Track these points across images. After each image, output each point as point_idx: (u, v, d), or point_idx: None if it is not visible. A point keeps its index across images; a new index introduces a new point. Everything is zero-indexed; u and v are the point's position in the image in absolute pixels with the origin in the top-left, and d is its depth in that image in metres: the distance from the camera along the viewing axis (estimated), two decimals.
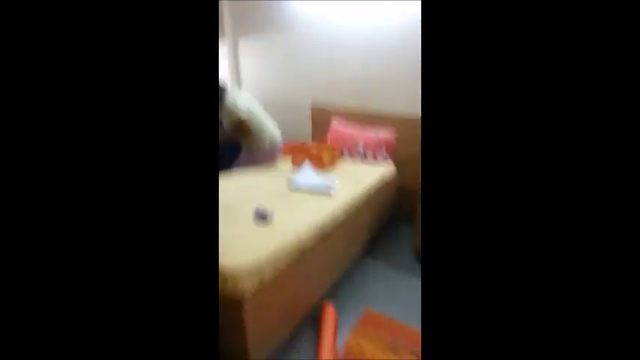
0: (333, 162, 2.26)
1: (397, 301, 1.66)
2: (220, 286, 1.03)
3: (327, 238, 1.50)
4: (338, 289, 1.71)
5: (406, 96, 2.34)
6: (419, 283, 1.81)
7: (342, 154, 2.44)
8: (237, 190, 1.74)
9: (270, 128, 2.21)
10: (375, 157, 2.36)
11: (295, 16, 2.66)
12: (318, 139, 2.72)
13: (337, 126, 2.57)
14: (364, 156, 2.38)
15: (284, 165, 2.22)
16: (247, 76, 3.13)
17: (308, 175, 1.96)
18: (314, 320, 1.46)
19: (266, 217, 1.37)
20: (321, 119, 2.74)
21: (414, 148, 2.32)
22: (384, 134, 2.38)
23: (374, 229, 2.12)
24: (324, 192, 1.75)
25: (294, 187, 1.79)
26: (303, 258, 1.33)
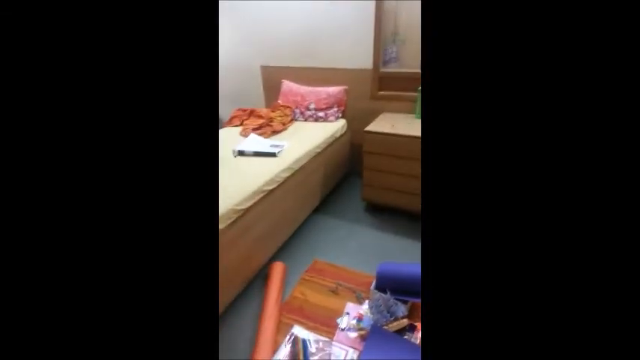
0: (284, 125, 2.26)
1: (344, 249, 1.79)
2: None
3: (270, 197, 1.56)
4: (290, 245, 1.82)
5: (354, 50, 2.30)
6: (366, 231, 1.94)
7: (294, 115, 2.43)
8: None
9: None
10: (326, 115, 2.37)
11: None
12: (271, 102, 2.69)
13: (288, 87, 2.53)
14: (316, 114, 2.39)
15: (232, 132, 2.22)
16: None
17: (254, 141, 1.97)
18: (264, 279, 1.58)
19: None
20: (271, 81, 2.68)
21: (364, 102, 2.34)
22: (335, 91, 2.37)
23: (325, 186, 2.20)
24: (269, 154, 1.78)
25: (239, 153, 1.82)
26: (245, 218, 1.40)
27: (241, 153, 1.82)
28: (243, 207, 1.39)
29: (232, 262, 1.38)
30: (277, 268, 1.55)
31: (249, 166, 1.67)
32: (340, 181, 2.47)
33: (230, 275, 1.39)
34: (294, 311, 1.40)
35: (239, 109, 2.44)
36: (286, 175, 1.69)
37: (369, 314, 1.33)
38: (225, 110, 2.91)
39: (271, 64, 2.66)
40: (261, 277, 1.59)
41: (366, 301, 1.40)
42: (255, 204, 1.46)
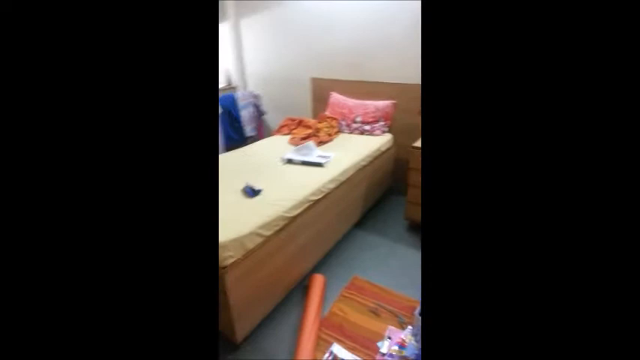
0: (330, 137, 2.26)
1: (385, 268, 1.72)
2: None
3: (316, 207, 1.55)
4: (330, 260, 1.79)
5: (403, 65, 2.27)
6: (408, 251, 1.85)
7: (340, 126, 2.43)
8: (230, 165, 1.80)
9: None
10: (372, 128, 2.34)
11: None
12: (318, 113, 2.71)
13: (336, 99, 2.55)
14: (362, 127, 2.37)
15: (281, 141, 2.25)
16: (249, 55, 3.13)
17: (304, 150, 1.99)
18: (304, 290, 1.56)
19: (255, 194, 1.44)
20: (320, 93, 2.71)
21: (412, 117, 2.28)
22: (382, 105, 2.34)
23: (367, 200, 2.16)
24: (316, 164, 1.78)
25: (287, 162, 1.83)
26: (290, 227, 1.40)
27: (289, 161, 1.83)
28: (291, 215, 1.38)
29: (276, 270, 1.37)
30: (318, 281, 1.52)
31: (296, 175, 1.68)
32: (382, 197, 2.41)
33: (273, 282, 1.38)
34: (333, 328, 1.35)
35: (288, 119, 2.49)
36: (332, 186, 1.68)
37: (413, 342, 1.25)
38: (275, 119, 2.99)
39: (321, 77, 2.69)
40: (301, 287, 1.57)
41: (409, 327, 1.33)
42: (301, 213, 1.45)
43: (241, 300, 1.20)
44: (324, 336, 1.31)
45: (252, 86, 3.18)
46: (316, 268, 1.67)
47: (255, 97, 3.00)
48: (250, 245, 1.19)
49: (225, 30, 3.03)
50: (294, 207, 1.40)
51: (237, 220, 1.23)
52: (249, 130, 2.91)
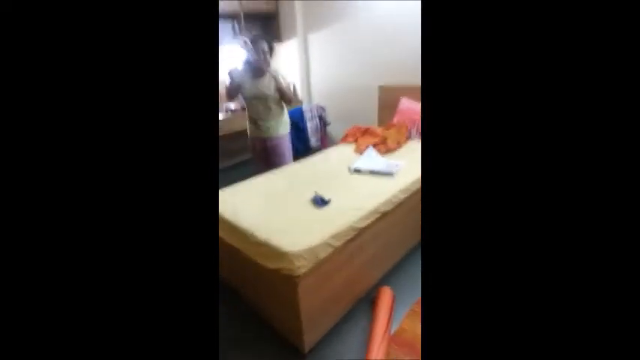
0: (399, 144, 2.20)
1: None
2: (278, 265, 1.16)
3: (385, 218, 1.50)
4: (398, 273, 1.71)
5: None
6: None
7: (410, 133, 2.34)
8: (296, 176, 1.85)
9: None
10: None
11: (354, 4, 2.67)
12: (384, 121, 2.66)
13: (406, 105, 2.47)
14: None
15: (347, 149, 2.26)
16: (315, 68, 3.25)
17: (371, 159, 1.96)
18: (371, 302, 1.51)
19: (324, 203, 1.45)
20: (387, 100, 2.66)
21: None
22: None
23: None
24: (385, 173, 1.74)
25: (355, 171, 1.83)
26: (360, 237, 1.37)
27: (357, 171, 1.82)
28: (361, 225, 1.36)
29: (344, 281, 1.36)
30: (386, 295, 1.47)
31: (364, 184, 1.66)
32: None
33: (341, 293, 1.37)
34: (404, 346, 1.28)
35: (354, 127, 2.49)
36: (403, 196, 1.61)
37: None
38: (339, 128, 3.02)
39: (389, 84, 2.65)
40: (368, 300, 1.53)
41: None
42: (371, 224, 1.42)
43: (311, 310, 1.22)
44: (394, 354, 1.25)
45: (317, 98, 3.27)
46: (384, 281, 1.62)
47: (321, 108, 3.07)
48: (322, 255, 1.20)
49: (293, 47, 3.19)
50: (365, 217, 1.38)
51: (307, 229, 1.25)
52: (313, 141, 2.99)
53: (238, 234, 1.35)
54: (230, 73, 1.99)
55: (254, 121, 2.09)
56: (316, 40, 3.12)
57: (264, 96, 2.00)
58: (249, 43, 1.91)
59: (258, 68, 1.97)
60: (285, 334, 1.34)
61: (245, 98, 2.06)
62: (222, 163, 3.08)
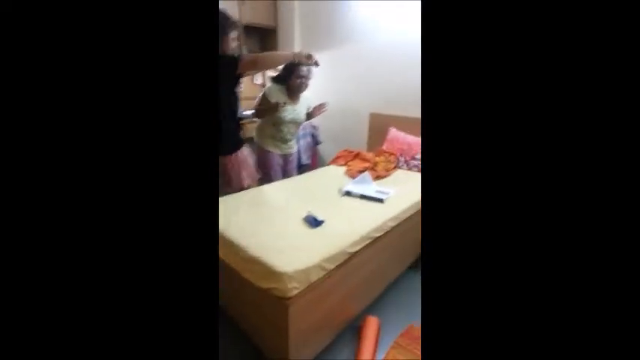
0: (387, 171, 2.23)
1: None
2: (269, 285, 1.10)
3: (375, 244, 1.49)
4: (384, 301, 1.69)
5: None
6: None
7: (397, 162, 2.40)
8: (288, 194, 1.82)
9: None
10: None
11: (354, 30, 2.76)
12: (373, 147, 2.71)
13: (394, 135, 2.54)
14: (421, 165, 2.31)
15: (337, 171, 2.26)
16: (311, 86, 3.30)
17: (361, 183, 1.97)
18: (356, 330, 1.47)
19: (317, 223, 1.42)
20: (378, 127, 2.72)
21: None
22: None
23: None
24: (375, 199, 1.75)
25: (346, 194, 1.82)
26: (351, 262, 1.35)
27: (348, 194, 1.82)
28: (352, 250, 1.34)
29: (332, 306, 1.32)
30: (372, 325, 1.43)
31: (355, 208, 1.65)
32: None
33: (328, 319, 1.32)
34: None
35: (345, 150, 2.51)
36: (393, 224, 1.62)
37: None
38: (329, 149, 3.04)
39: (380, 112, 2.72)
40: (352, 328, 1.49)
41: None
42: (361, 249, 1.40)
43: (298, 333, 1.16)
44: None
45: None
46: (370, 308, 1.59)
47: (314, 127, 3.09)
48: (313, 278, 1.16)
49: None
50: (357, 242, 1.36)
51: (301, 250, 1.21)
52: (304, 158, 2.98)
53: (228, 247, 1.28)
54: (266, 93, 1.97)
55: (279, 139, 2.10)
56: None
57: (299, 121, 2.01)
58: (312, 61, 1.67)
59: (297, 91, 1.98)
60: (270, 354, 1.26)
61: (277, 119, 2.03)
62: None
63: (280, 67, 2.02)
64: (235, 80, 1.61)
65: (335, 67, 3.00)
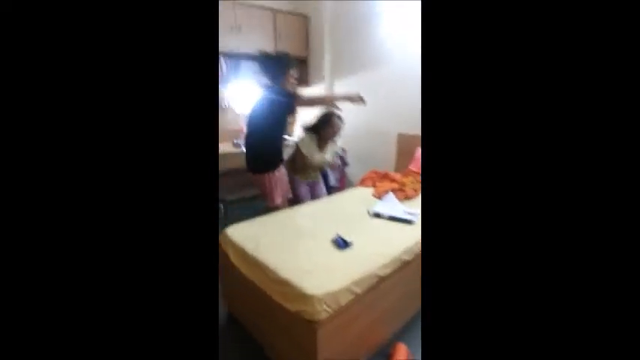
0: (416, 191, 2.21)
1: None
2: (298, 307, 1.11)
3: (405, 267, 1.47)
4: (413, 327, 1.64)
5: None
6: None
7: None
8: (317, 215, 1.84)
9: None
10: None
11: (380, 54, 2.85)
12: (401, 167, 2.70)
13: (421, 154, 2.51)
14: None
15: (365, 193, 2.27)
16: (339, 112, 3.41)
17: (390, 204, 1.96)
18: (385, 357, 1.42)
19: (346, 245, 1.43)
20: (406, 147, 2.72)
21: None
22: None
23: None
24: (405, 221, 1.73)
25: (374, 215, 1.82)
26: (381, 286, 1.33)
27: (377, 215, 1.81)
28: (382, 273, 1.33)
29: (361, 332, 1.30)
30: (401, 352, 1.39)
31: (385, 230, 1.64)
32: None
33: (356, 345, 1.30)
34: None
35: (373, 172, 2.52)
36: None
37: None
38: (357, 170, 3.06)
39: (408, 132, 2.72)
40: (381, 356, 1.44)
41: None
42: (391, 272, 1.38)
43: (326, 356, 1.15)
44: None
45: (338, 140, 3.36)
46: (399, 336, 1.54)
47: (342, 149, 3.14)
48: (343, 301, 1.16)
49: (320, 91, 3.37)
50: (386, 265, 1.35)
51: (331, 272, 1.22)
52: (332, 180, 3.02)
53: (257, 268, 1.32)
54: (299, 145, 2.11)
55: (306, 175, 2.24)
56: (342, 85, 3.28)
57: (326, 165, 2.12)
58: (361, 100, 1.97)
59: (329, 140, 2.11)
60: None
61: (305, 164, 2.17)
62: (243, 193, 3.12)
63: (314, 115, 2.16)
64: (290, 112, 1.93)
65: (362, 90, 3.04)
